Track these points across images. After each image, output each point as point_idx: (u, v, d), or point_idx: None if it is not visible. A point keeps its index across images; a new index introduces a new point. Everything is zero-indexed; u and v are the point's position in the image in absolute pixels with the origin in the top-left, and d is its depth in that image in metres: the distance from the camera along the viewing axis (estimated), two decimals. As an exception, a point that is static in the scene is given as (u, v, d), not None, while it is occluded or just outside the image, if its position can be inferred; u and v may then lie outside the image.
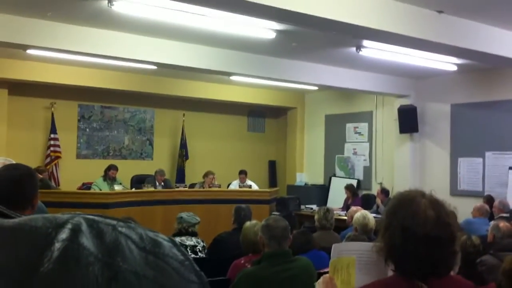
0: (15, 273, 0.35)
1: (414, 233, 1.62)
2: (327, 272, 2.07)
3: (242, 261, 4.01)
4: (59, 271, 0.36)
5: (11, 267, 0.35)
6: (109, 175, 9.29)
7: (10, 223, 0.38)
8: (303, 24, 5.74)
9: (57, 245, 0.37)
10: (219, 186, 9.71)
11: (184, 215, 5.36)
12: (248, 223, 4.44)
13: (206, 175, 9.78)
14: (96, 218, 0.41)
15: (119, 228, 0.41)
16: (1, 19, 6.34)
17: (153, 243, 0.42)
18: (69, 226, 0.39)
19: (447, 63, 8.48)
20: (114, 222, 0.42)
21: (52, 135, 10.15)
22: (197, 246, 5.15)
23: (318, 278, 2.08)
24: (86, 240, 0.38)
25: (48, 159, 10.07)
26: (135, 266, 0.39)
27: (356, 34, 6.24)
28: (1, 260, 0.35)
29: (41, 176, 8.13)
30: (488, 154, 9.38)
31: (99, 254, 0.38)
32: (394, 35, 5.92)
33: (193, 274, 0.42)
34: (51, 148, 10.10)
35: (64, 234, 0.38)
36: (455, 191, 9.63)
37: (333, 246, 2.09)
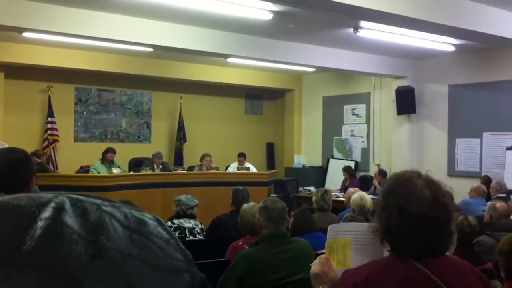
0: None
1: (410, 213, 1.63)
2: (323, 253, 2.08)
3: (240, 243, 4.03)
4: (41, 249, 0.36)
5: None
6: (107, 158, 9.29)
7: None
8: (300, 4, 5.70)
9: (40, 223, 0.37)
10: (217, 169, 9.72)
11: (182, 197, 5.37)
12: (246, 205, 4.45)
13: (202, 157, 9.79)
14: (80, 197, 0.41)
15: (103, 207, 0.41)
16: (-4, 2, 6.29)
17: (137, 221, 0.42)
18: (52, 204, 0.39)
19: (445, 44, 8.45)
20: (99, 201, 0.42)
21: (49, 119, 10.12)
22: (195, 228, 5.17)
23: (315, 259, 2.09)
24: (70, 219, 0.38)
25: (46, 143, 10.06)
26: (119, 244, 0.39)
27: (353, 14, 6.20)
28: None
29: (38, 160, 8.12)
30: (485, 134, 9.39)
31: (83, 232, 0.38)
32: (391, 15, 5.88)
33: (178, 252, 0.42)
34: (49, 132, 10.08)
35: (47, 213, 0.38)
36: (452, 172, 9.66)
37: (329, 227, 2.09)
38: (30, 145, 9.03)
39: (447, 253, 1.77)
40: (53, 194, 0.40)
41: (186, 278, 0.42)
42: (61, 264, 0.35)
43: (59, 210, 0.38)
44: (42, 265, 0.35)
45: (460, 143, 9.75)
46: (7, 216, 0.37)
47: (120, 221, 0.41)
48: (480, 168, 9.40)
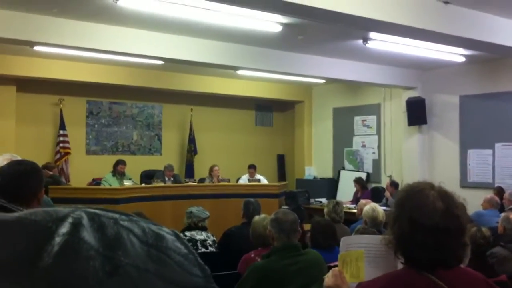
0: (14, 268, 0.35)
1: (422, 224, 1.61)
2: (336, 266, 2.06)
3: (252, 255, 4.01)
4: (58, 266, 0.36)
5: (10, 262, 0.35)
6: (118, 170, 9.32)
7: (10, 217, 0.38)
8: (309, 16, 5.71)
9: (57, 239, 0.37)
10: (228, 181, 9.72)
11: (194, 209, 5.37)
12: (257, 217, 4.43)
13: (210, 169, 9.83)
14: (97, 211, 0.41)
15: (121, 222, 0.41)
16: (8, 16, 6.36)
17: (155, 236, 0.42)
18: (69, 220, 0.39)
19: (455, 54, 8.42)
20: (116, 215, 0.41)
21: (61, 131, 10.18)
22: (207, 240, 5.16)
23: (328, 271, 2.08)
24: (87, 234, 0.38)
25: (58, 155, 10.11)
26: (136, 260, 0.38)
27: (362, 26, 6.21)
28: (1, 255, 0.35)
29: (50, 173, 8.17)
30: (497, 145, 9.32)
31: (100, 248, 0.38)
32: (400, 26, 5.88)
33: (196, 267, 0.42)
34: (61, 145, 10.14)
35: (64, 228, 0.38)
36: (465, 183, 9.59)
37: (342, 239, 2.08)
38: (42, 157, 9.08)
39: (461, 265, 1.75)
40: (70, 209, 0.40)
41: None
42: (78, 281, 0.35)
43: (77, 225, 0.38)
44: (59, 282, 0.35)
45: (472, 154, 9.68)
46: (24, 232, 0.37)
47: (137, 236, 0.40)
48: (493, 179, 9.32)
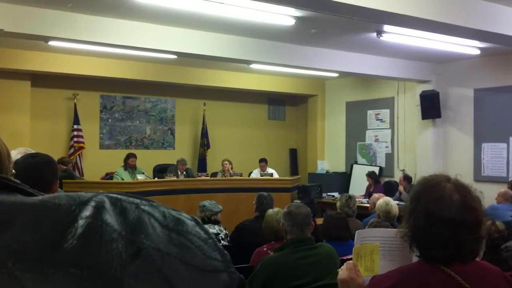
0: (39, 250, 0.35)
1: (439, 217, 1.60)
2: (351, 259, 2.06)
3: (265, 249, 4.01)
4: (82, 247, 0.36)
5: (35, 244, 0.35)
6: (129, 163, 9.39)
7: (34, 200, 0.38)
8: (323, 9, 5.68)
9: (81, 222, 0.37)
10: (241, 175, 9.73)
11: (206, 203, 5.39)
12: (270, 211, 4.44)
13: (222, 164, 9.86)
14: (119, 196, 0.41)
15: (142, 207, 0.41)
16: (22, 11, 6.40)
17: (176, 221, 0.42)
18: (92, 203, 0.39)
19: (470, 47, 8.35)
20: (138, 200, 0.42)
21: (75, 126, 10.24)
22: (219, 234, 5.18)
23: (341, 264, 2.07)
24: (110, 217, 0.38)
25: (72, 150, 10.18)
26: (158, 243, 0.39)
27: (376, 18, 6.17)
28: (25, 236, 0.35)
29: (64, 167, 8.23)
30: (512, 139, 9.24)
31: (123, 231, 0.38)
32: (414, 19, 5.84)
33: (216, 252, 0.42)
34: (75, 139, 10.21)
35: (87, 212, 0.38)
36: (479, 177, 9.52)
37: (356, 232, 2.07)
38: (56, 152, 9.16)
39: (477, 259, 1.74)
40: (93, 193, 0.41)
41: (224, 278, 0.41)
42: (102, 263, 0.36)
43: (99, 209, 0.39)
44: (83, 263, 0.35)
45: (487, 147, 9.61)
46: (48, 215, 0.37)
47: (158, 221, 0.41)
48: (507, 173, 9.25)
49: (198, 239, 0.42)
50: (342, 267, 2.01)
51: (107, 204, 0.39)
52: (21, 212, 0.37)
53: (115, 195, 0.41)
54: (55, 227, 0.36)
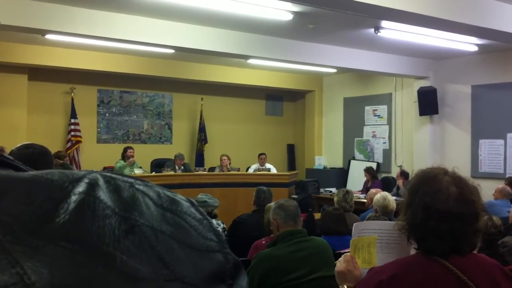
0: (30, 223, 0.35)
1: (436, 209, 1.60)
2: (348, 252, 2.06)
3: (263, 242, 4.02)
4: (75, 222, 0.36)
5: (26, 217, 0.35)
6: (127, 155, 9.52)
7: (26, 175, 0.38)
8: (321, 4, 5.68)
9: (74, 197, 0.37)
10: (238, 170, 9.74)
11: (206, 198, 5.40)
12: (271, 204, 4.45)
13: (220, 159, 9.91)
14: (113, 175, 0.41)
15: (137, 186, 0.41)
16: (19, 4, 6.37)
17: (170, 201, 0.42)
18: (86, 180, 0.39)
19: (468, 44, 8.35)
20: (132, 180, 0.42)
21: (72, 120, 10.23)
22: (217, 227, 5.18)
23: (336, 258, 2.07)
24: (103, 194, 0.38)
25: (69, 144, 10.17)
26: (152, 222, 0.39)
27: (374, 14, 6.16)
28: (16, 210, 0.35)
29: (61, 162, 8.22)
30: (509, 135, 9.26)
31: (116, 208, 0.38)
32: (413, 15, 5.83)
33: (211, 233, 0.42)
34: (72, 133, 10.19)
35: (80, 188, 0.38)
36: (476, 173, 9.53)
37: (354, 225, 2.08)
38: (53, 146, 9.11)
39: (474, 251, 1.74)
40: (86, 171, 0.40)
41: (219, 258, 0.41)
42: (94, 238, 0.35)
43: (93, 185, 0.38)
44: (75, 238, 0.35)
45: (484, 144, 9.63)
46: (40, 189, 0.37)
47: (153, 200, 0.40)
48: (505, 169, 9.27)
49: (193, 219, 0.42)
50: (340, 259, 2.02)
51: (101, 182, 0.39)
52: (13, 185, 0.37)
53: (109, 174, 0.41)
54: (47, 201, 0.36)
